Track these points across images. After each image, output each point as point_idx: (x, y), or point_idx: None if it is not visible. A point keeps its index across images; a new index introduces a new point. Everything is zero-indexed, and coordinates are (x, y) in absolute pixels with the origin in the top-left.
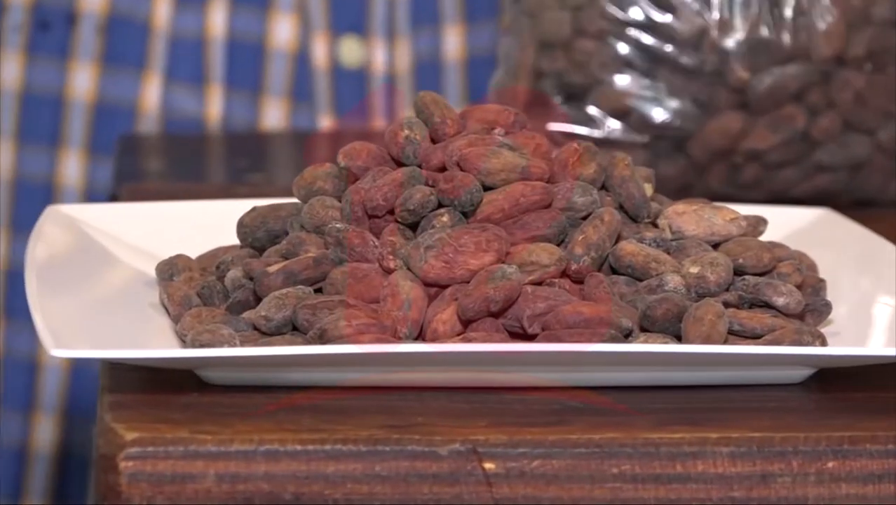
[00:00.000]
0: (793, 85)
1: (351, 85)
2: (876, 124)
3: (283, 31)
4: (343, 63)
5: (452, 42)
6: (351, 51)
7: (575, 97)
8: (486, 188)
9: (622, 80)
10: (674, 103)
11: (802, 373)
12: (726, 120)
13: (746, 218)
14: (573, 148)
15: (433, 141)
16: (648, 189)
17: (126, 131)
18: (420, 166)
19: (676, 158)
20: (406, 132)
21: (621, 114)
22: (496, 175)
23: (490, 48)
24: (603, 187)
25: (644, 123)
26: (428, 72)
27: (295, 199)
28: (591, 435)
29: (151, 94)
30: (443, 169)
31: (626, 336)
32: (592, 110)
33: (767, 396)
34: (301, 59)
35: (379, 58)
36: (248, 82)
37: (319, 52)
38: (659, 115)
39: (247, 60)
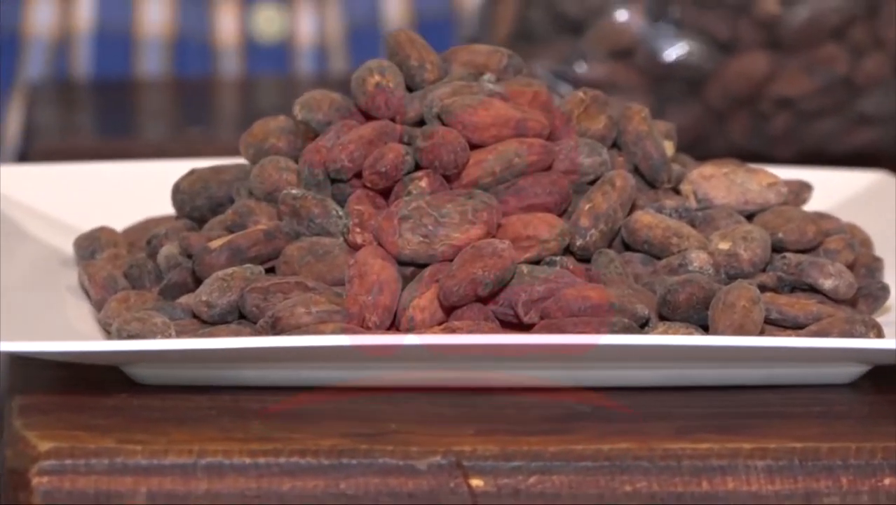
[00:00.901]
0: (833, 19)
1: (269, 62)
2: None
3: (153, 13)
4: (259, 36)
5: (395, 3)
6: (269, 21)
7: (569, 30)
8: (473, 146)
9: (626, 13)
10: (688, 40)
11: (854, 371)
12: (751, 60)
13: (787, 183)
14: (578, 98)
15: (409, 89)
16: (669, 147)
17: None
18: (393, 120)
19: (689, 105)
20: (376, 78)
21: (624, 52)
22: (485, 130)
23: (442, 10)
24: (614, 145)
25: (651, 64)
26: (366, 41)
27: (242, 160)
28: (599, 445)
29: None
30: (421, 123)
31: (642, 326)
32: (589, 46)
33: (811, 398)
34: (182, 42)
35: (304, 27)
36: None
37: (226, 25)
38: (670, 54)
39: (117, 53)
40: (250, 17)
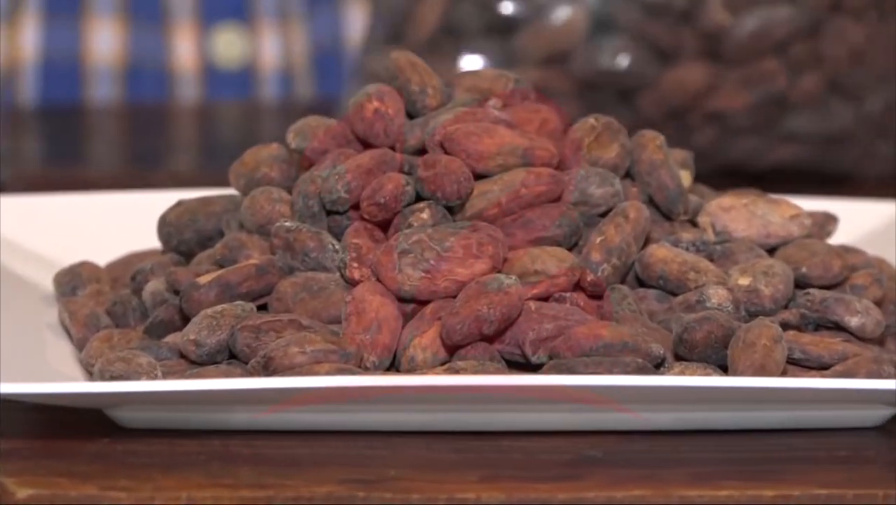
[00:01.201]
0: (779, 32)
1: (231, 88)
2: (867, 90)
3: (103, 40)
4: (219, 61)
5: (360, 24)
6: (229, 45)
7: (499, 31)
8: (478, 176)
9: (564, 13)
10: (629, 47)
11: (881, 413)
12: (689, 71)
13: (811, 215)
14: (589, 125)
15: (410, 116)
16: (686, 177)
17: None
18: (393, 148)
19: (620, 115)
20: (375, 104)
21: (558, 56)
22: (490, 159)
23: None
24: (628, 175)
25: (586, 70)
26: (331, 64)
27: (232, 191)
28: (611, 493)
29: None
30: (422, 151)
31: (657, 366)
32: (522, 48)
33: (837, 442)
34: (136, 69)
35: (267, 51)
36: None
37: (183, 50)
38: (608, 60)
39: (65, 81)
40: (209, 41)
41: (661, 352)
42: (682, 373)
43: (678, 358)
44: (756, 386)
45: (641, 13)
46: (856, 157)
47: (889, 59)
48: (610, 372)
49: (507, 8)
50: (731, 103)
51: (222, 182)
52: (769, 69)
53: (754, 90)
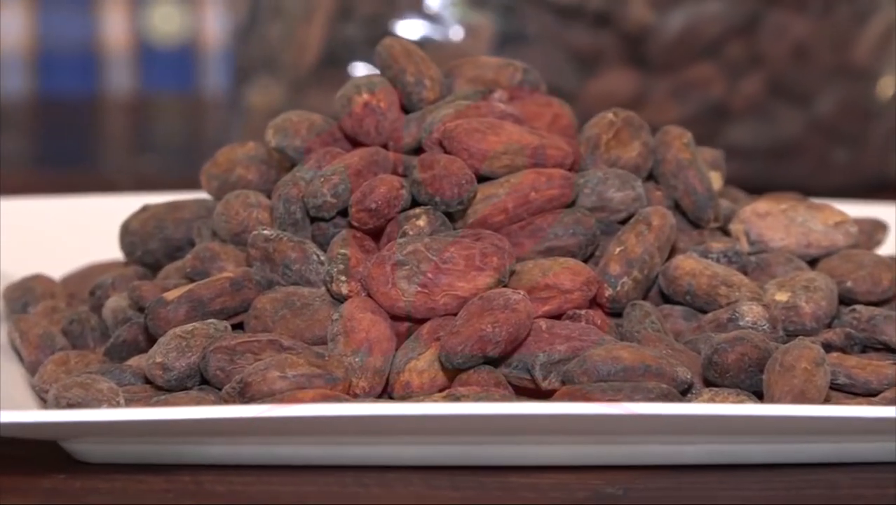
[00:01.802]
0: (710, 31)
1: (169, 71)
2: (814, 90)
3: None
4: (155, 38)
5: None
6: (167, 19)
7: None
8: (482, 178)
9: (467, 27)
10: (542, 55)
11: None
12: (615, 79)
13: (857, 222)
14: (607, 120)
15: (405, 110)
16: (716, 179)
17: None
18: (386, 146)
19: None
20: (365, 97)
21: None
22: (496, 160)
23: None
24: (651, 177)
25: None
26: None
27: (204, 195)
28: None
29: None
30: (419, 150)
31: (684, 392)
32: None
33: (886, 478)
34: (50, 53)
35: (211, 25)
36: None
37: (113, 28)
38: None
39: None
40: (144, 15)
41: (689, 376)
42: (711, 400)
43: (707, 383)
44: (795, 415)
45: (554, 18)
46: (806, 172)
47: (838, 53)
48: (630, 399)
49: (399, 26)
50: (665, 115)
51: (166, 186)
52: (703, 75)
53: (688, 100)
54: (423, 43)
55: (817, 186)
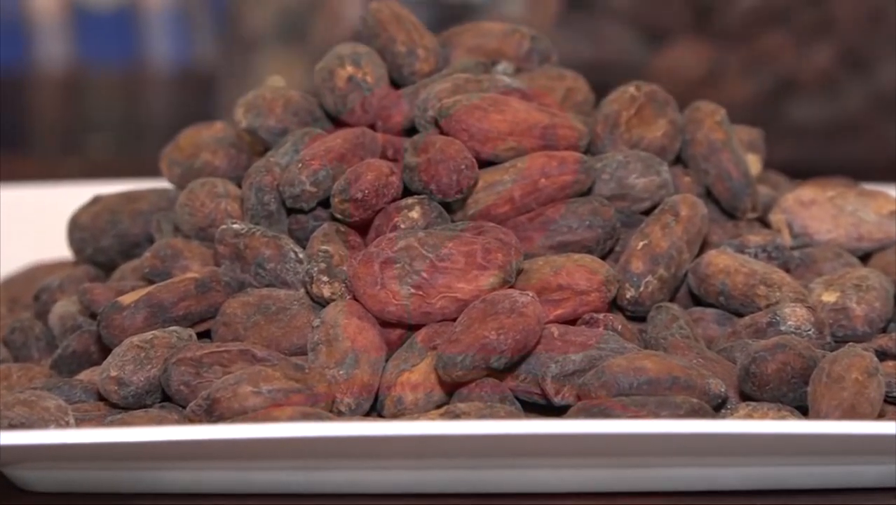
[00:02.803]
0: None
1: (106, 39)
2: (882, 59)
3: None
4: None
5: None
6: None
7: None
8: (484, 163)
9: None
10: (607, 26)
11: None
12: (685, 52)
13: None
14: (629, 95)
15: (395, 85)
16: (754, 163)
17: None
18: (373, 127)
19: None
20: (349, 70)
21: None
22: (500, 141)
23: None
24: (678, 160)
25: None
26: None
27: (165, 183)
28: None
29: None
30: (412, 131)
31: (718, 408)
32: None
33: None
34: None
35: None
36: None
37: None
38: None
39: None
40: None
41: (722, 389)
42: (749, 416)
43: (744, 397)
44: (845, 432)
45: None
46: (867, 151)
47: None
48: (656, 416)
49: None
50: (738, 92)
51: (114, 172)
52: (775, 44)
53: (757, 72)
54: (472, 10)
55: (876, 168)
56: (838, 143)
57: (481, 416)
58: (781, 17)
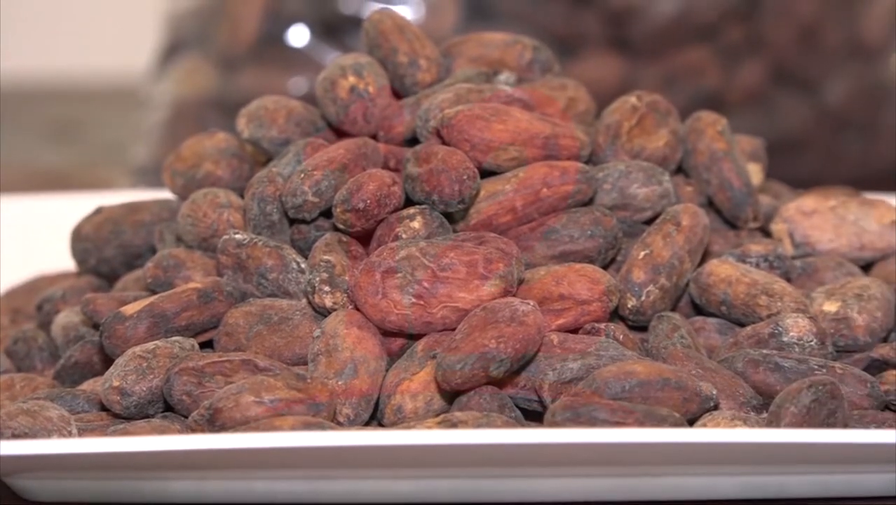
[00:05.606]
0: (704, 13)
1: None
2: (824, 75)
3: None
4: None
5: None
6: None
7: (336, 31)
8: (486, 173)
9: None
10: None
11: None
12: (597, 66)
13: None
14: (630, 105)
15: (397, 95)
16: (755, 172)
17: None
18: (375, 137)
19: None
20: (352, 80)
21: None
22: (502, 151)
23: None
24: (680, 170)
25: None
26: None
27: (167, 194)
28: None
29: None
30: (414, 141)
31: (708, 410)
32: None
33: None
34: None
35: None
36: None
37: None
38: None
39: None
40: None
41: (714, 392)
42: (732, 424)
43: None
44: (846, 442)
45: None
46: (813, 167)
47: (848, 35)
48: (641, 424)
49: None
50: None
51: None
52: (696, 60)
53: (679, 88)
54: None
55: (827, 182)
56: (777, 159)
57: (479, 425)
58: (706, 33)
